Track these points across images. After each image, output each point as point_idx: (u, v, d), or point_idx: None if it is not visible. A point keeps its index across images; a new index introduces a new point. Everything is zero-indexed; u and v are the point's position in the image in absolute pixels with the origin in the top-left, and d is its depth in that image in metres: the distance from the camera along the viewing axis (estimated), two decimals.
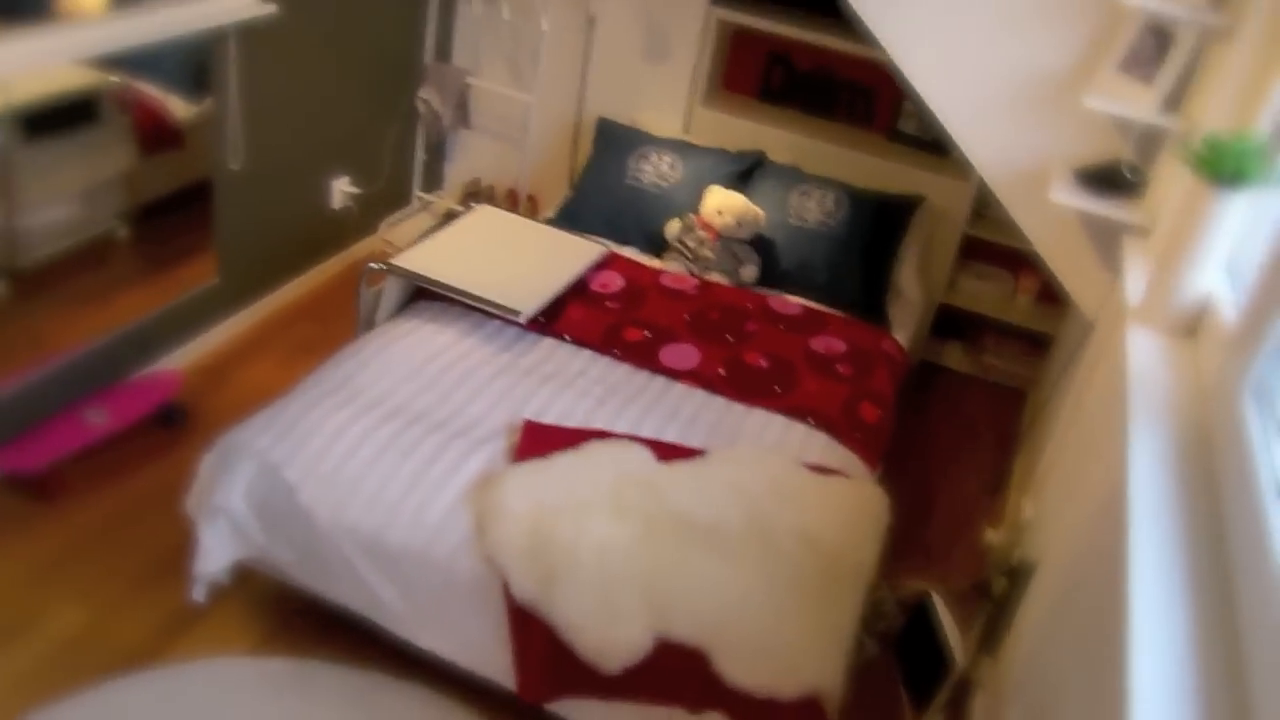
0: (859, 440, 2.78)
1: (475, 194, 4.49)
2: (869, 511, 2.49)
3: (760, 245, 3.51)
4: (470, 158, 4.58)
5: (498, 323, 2.93)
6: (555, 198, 4.15)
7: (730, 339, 3.07)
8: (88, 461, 2.97)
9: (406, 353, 2.74)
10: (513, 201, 4.41)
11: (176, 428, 3.18)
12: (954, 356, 4.26)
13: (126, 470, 3.00)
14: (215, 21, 3.08)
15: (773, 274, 3.52)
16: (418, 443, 2.42)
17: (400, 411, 2.52)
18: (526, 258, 3.17)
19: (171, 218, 3.75)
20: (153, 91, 3.93)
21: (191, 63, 3.38)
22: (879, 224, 3.60)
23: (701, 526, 2.29)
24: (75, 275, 3.53)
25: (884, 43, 2.91)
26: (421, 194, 4.53)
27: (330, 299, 4.00)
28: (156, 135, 3.81)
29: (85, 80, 3.49)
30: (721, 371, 2.92)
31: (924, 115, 3.23)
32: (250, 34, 3.23)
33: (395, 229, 4.43)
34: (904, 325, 3.51)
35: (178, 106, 3.92)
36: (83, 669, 2.42)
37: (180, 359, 3.44)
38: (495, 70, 4.32)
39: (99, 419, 2.98)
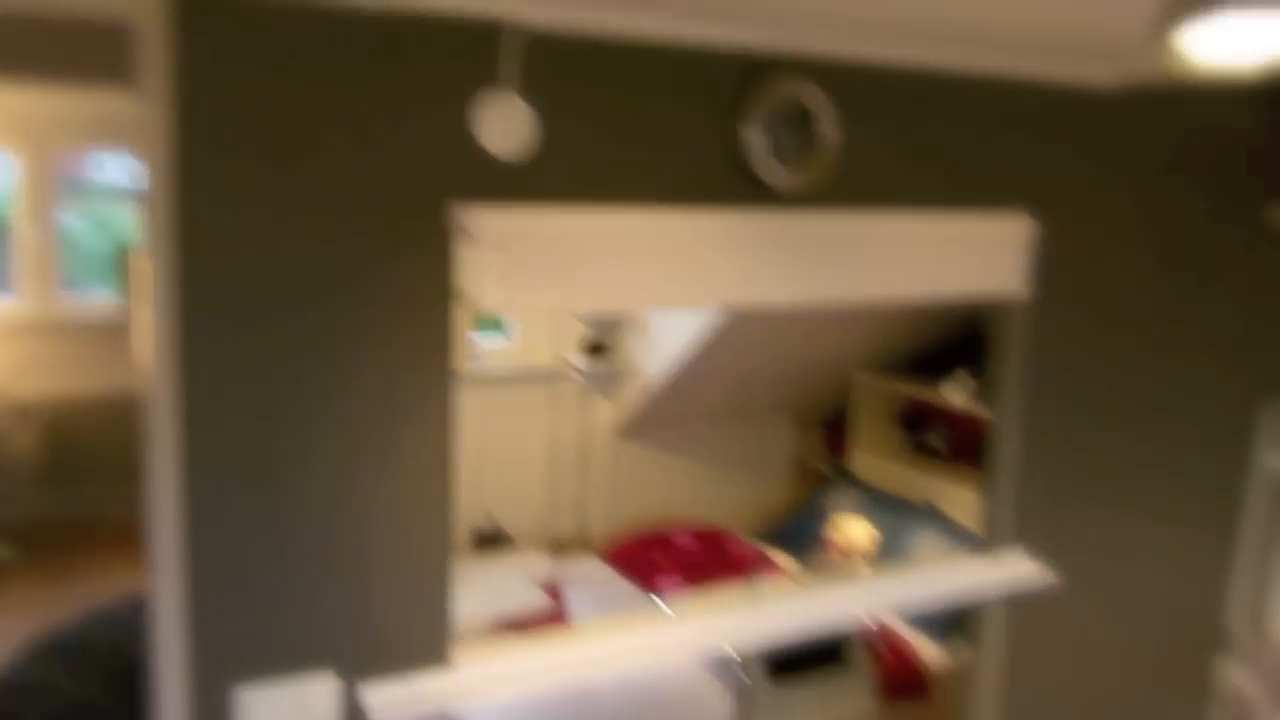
0: None
1: None
2: None
3: None
4: None
5: None
6: None
7: None
8: None
9: None
10: None
11: None
12: None
13: None
14: (992, 591, 2.69)
15: None
16: None
17: None
18: None
19: None
20: (901, 633, 3.65)
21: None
22: None
23: None
24: None
25: None
26: None
27: None
28: (900, 682, 3.47)
29: (840, 623, 3.31)
30: None
31: None
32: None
33: None
34: None
35: (927, 650, 3.58)
36: None
37: None
38: None
39: None
